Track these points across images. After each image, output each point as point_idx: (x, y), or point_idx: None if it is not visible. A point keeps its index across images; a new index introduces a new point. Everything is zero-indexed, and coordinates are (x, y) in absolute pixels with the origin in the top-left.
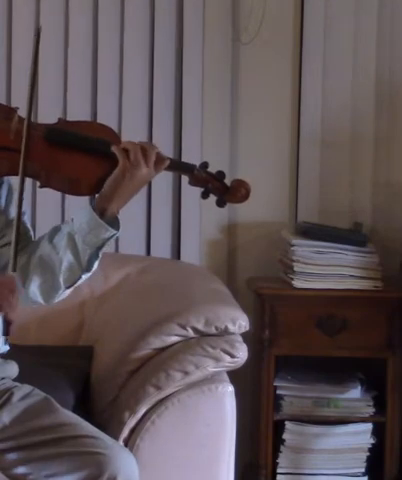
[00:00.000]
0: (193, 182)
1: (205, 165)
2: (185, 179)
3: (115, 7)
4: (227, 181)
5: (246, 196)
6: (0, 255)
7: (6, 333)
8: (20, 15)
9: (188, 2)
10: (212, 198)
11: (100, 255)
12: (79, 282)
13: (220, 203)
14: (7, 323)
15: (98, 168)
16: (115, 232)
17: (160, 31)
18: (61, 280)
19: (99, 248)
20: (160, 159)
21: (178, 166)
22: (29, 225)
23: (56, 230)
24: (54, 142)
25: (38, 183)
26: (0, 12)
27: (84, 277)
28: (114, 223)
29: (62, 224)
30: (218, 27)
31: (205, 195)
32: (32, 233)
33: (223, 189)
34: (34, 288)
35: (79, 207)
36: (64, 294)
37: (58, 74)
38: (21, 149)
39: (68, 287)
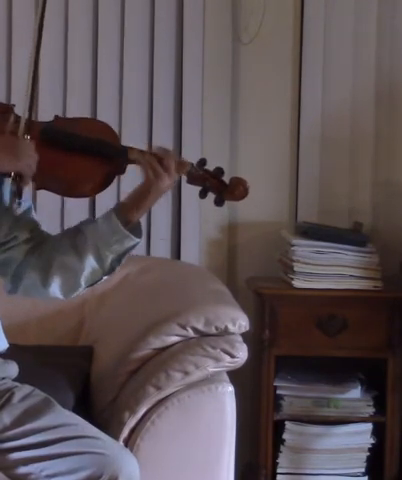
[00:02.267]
0: (191, 181)
1: (203, 162)
2: (184, 178)
3: (115, 7)
4: (226, 178)
5: (244, 194)
6: (11, 257)
7: (18, 194)
8: (20, 15)
9: (188, 2)
10: (210, 196)
11: (123, 261)
12: (100, 282)
13: (218, 202)
14: (19, 187)
15: (97, 170)
16: (138, 240)
17: (160, 31)
18: (82, 282)
19: (122, 255)
20: (180, 166)
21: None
22: (36, 218)
23: (77, 233)
24: (50, 143)
25: (34, 185)
26: (0, 12)
27: (105, 278)
28: (136, 230)
29: (82, 226)
30: (218, 27)
31: (203, 194)
32: (41, 226)
33: (221, 187)
34: (55, 288)
35: (81, 208)
36: (83, 291)
37: (58, 74)
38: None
39: (88, 286)
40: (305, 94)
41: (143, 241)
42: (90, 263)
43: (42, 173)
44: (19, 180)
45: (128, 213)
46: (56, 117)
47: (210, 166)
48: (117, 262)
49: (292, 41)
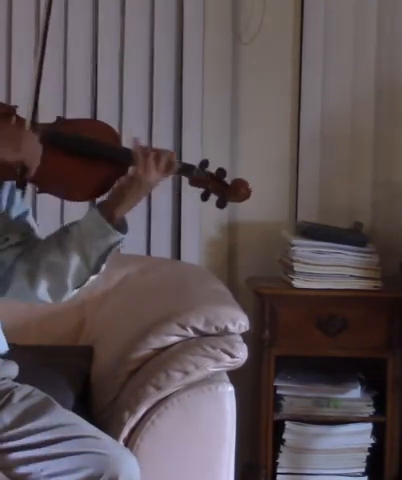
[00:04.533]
0: (193, 183)
1: (205, 164)
2: (185, 179)
3: (115, 7)
4: (228, 179)
5: (247, 195)
6: (3, 260)
7: (22, 185)
8: (20, 15)
9: (188, 2)
10: (212, 198)
11: (108, 259)
12: (87, 283)
13: (220, 204)
14: (23, 178)
15: (98, 173)
16: (123, 237)
17: (160, 31)
18: (69, 283)
19: (107, 252)
20: (169, 164)
21: (179, 168)
22: (34, 223)
23: (63, 232)
24: (52, 145)
25: (36, 188)
26: (0, 12)
27: (92, 278)
28: (122, 227)
29: (70, 225)
30: (218, 27)
31: (205, 197)
32: (37, 231)
33: (223, 189)
34: (42, 290)
35: (80, 209)
36: (72, 294)
37: (58, 75)
38: None
39: (76, 288)
40: (305, 94)
41: (143, 241)
42: (75, 261)
43: (44, 176)
44: (23, 172)
45: (111, 207)
46: (58, 118)
47: (210, 166)
48: (102, 260)
49: (292, 41)
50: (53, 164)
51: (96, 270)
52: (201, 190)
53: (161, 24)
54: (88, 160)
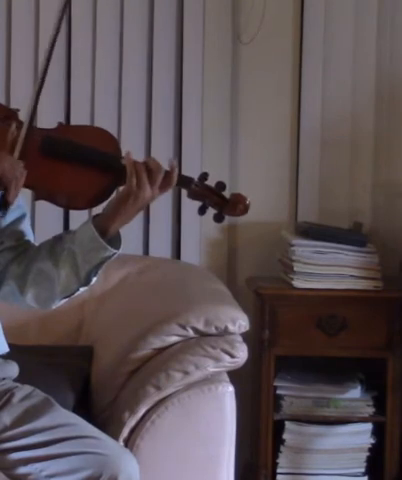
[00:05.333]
0: (191, 196)
1: (204, 177)
2: (184, 192)
3: (115, 7)
4: (227, 192)
5: (244, 211)
6: None
7: (4, 209)
8: (20, 14)
9: (188, 2)
10: (210, 212)
11: (99, 272)
12: (76, 294)
13: (218, 218)
14: (5, 201)
15: (97, 182)
16: (115, 252)
17: (160, 31)
18: (58, 291)
19: (99, 265)
20: (166, 183)
21: (177, 182)
22: (29, 228)
23: (56, 241)
24: (51, 152)
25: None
26: (0, 12)
27: (82, 290)
28: (115, 241)
29: (64, 234)
30: (218, 27)
31: (202, 211)
32: (32, 237)
33: (222, 203)
34: (31, 296)
35: (80, 216)
36: (60, 303)
37: (58, 76)
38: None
39: (64, 298)
40: (305, 94)
41: (143, 241)
42: (65, 271)
43: (42, 183)
44: (3, 191)
45: (105, 221)
46: (59, 124)
47: (210, 166)
48: (93, 273)
49: (292, 41)
50: (50, 171)
51: (86, 282)
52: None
53: (161, 24)
54: (87, 168)
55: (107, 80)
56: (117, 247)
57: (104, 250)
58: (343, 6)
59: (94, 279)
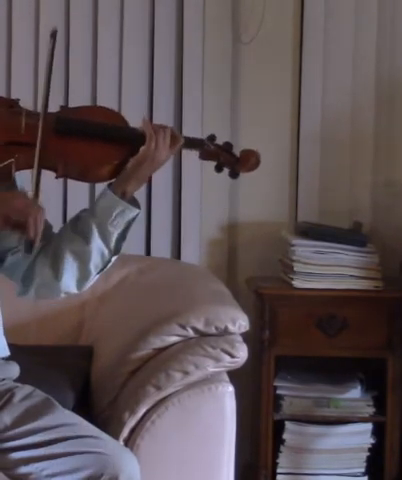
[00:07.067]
0: (204, 156)
1: (213, 137)
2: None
3: (115, 7)
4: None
5: (257, 164)
6: (15, 263)
7: (29, 250)
8: (20, 14)
9: (188, 2)
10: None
11: (126, 236)
12: (109, 265)
13: (233, 175)
14: (31, 242)
15: (114, 154)
16: (138, 211)
17: (160, 31)
18: (92, 268)
19: (125, 229)
20: (175, 139)
21: (188, 142)
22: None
23: (76, 221)
24: (66, 131)
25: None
26: (0, 12)
27: (113, 260)
28: (134, 203)
29: (80, 213)
30: (218, 27)
31: (218, 169)
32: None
33: (233, 161)
34: (67, 280)
35: (82, 205)
36: (94, 279)
37: (58, 74)
38: (36, 143)
39: (99, 272)
40: (305, 94)
41: (143, 241)
42: (96, 244)
43: (64, 162)
44: (22, 233)
45: (122, 184)
46: (62, 107)
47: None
48: (122, 238)
49: (292, 41)
50: (68, 149)
51: (117, 250)
52: (213, 163)
53: (161, 24)
54: (101, 143)
55: (108, 80)
56: (138, 207)
57: (129, 211)
58: (343, 6)
59: (122, 246)
